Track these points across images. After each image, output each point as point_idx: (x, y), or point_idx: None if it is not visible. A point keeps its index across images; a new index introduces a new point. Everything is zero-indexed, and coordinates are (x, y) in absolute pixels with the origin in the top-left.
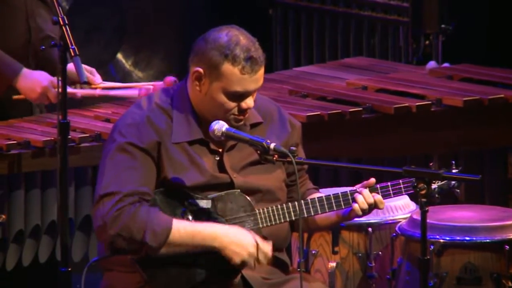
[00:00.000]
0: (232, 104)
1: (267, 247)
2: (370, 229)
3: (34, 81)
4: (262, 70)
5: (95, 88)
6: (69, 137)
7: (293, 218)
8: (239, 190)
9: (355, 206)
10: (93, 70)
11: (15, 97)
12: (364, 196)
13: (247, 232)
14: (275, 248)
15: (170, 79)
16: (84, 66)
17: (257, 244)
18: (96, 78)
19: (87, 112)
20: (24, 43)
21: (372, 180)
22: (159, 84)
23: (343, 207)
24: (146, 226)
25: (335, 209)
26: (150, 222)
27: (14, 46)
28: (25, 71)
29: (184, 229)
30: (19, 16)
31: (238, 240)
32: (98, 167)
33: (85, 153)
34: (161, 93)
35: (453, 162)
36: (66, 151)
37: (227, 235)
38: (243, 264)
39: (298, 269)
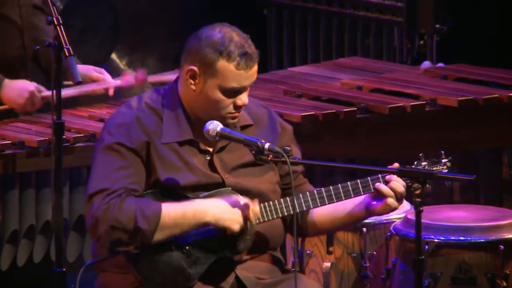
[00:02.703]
0: (228, 101)
1: (255, 206)
2: (364, 229)
3: (20, 88)
4: (256, 66)
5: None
6: (64, 137)
7: (285, 214)
8: (230, 188)
9: (390, 194)
10: (103, 70)
11: None
12: (395, 180)
13: (233, 197)
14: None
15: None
16: (93, 67)
17: (248, 205)
18: (107, 77)
19: (82, 112)
20: (18, 57)
21: (396, 164)
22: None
23: (334, 200)
24: (136, 212)
25: (326, 202)
26: (139, 208)
27: (7, 60)
28: (8, 81)
29: (174, 209)
30: (13, 30)
31: (228, 207)
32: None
33: (80, 153)
34: (152, 93)
35: (442, 152)
36: (61, 151)
37: (216, 206)
38: (240, 230)
39: (293, 269)
